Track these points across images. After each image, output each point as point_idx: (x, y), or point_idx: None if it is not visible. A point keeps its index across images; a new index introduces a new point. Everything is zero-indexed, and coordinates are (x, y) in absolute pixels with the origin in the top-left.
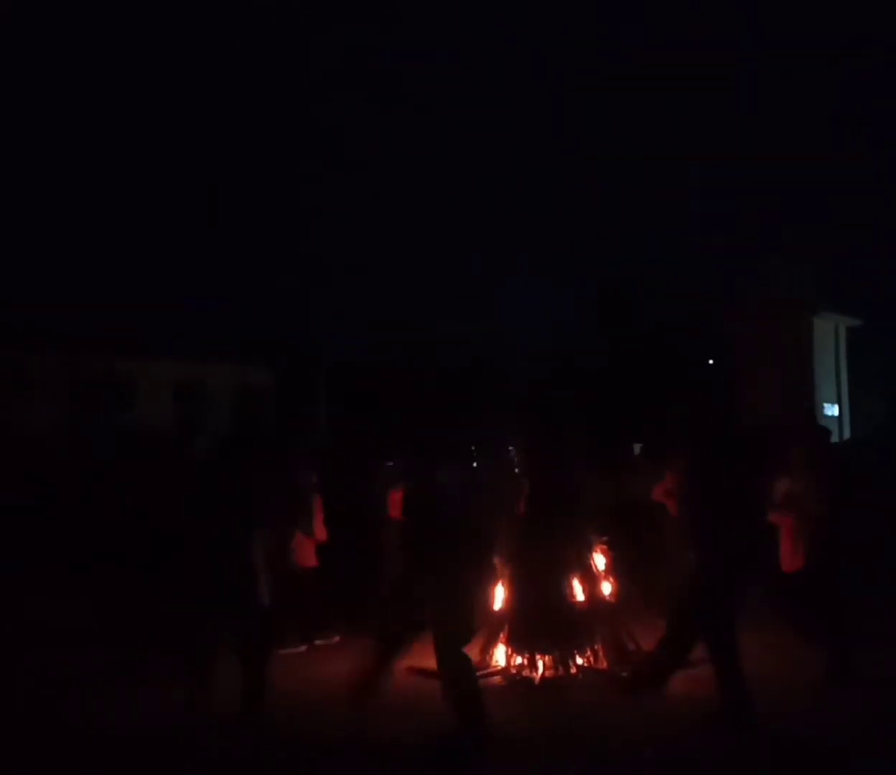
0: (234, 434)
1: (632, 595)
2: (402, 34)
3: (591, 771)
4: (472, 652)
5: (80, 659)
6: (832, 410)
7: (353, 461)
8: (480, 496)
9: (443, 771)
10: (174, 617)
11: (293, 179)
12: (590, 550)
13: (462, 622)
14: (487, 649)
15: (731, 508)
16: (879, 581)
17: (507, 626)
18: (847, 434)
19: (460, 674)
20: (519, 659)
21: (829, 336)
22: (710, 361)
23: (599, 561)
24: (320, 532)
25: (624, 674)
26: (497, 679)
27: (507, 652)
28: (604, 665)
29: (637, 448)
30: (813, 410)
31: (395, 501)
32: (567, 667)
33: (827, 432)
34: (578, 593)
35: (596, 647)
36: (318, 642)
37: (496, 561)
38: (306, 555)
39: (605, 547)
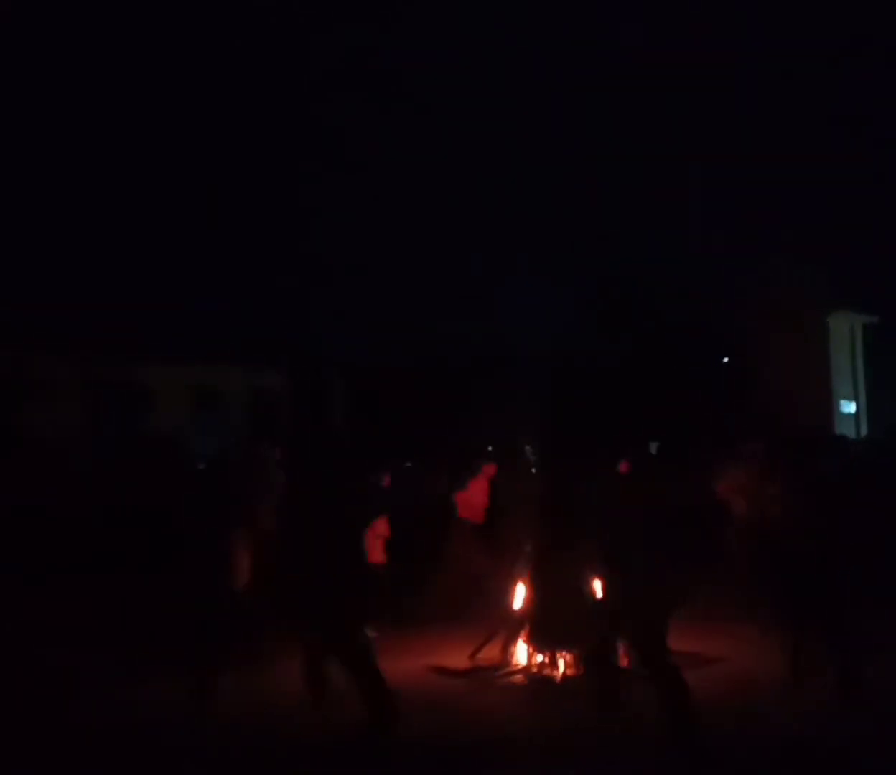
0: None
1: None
2: (402, 34)
3: (615, 767)
4: (493, 650)
5: (79, 659)
6: (849, 407)
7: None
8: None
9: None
10: (176, 619)
11: (293, 179)
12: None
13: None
14: (508, 647)
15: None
16: (880, 581)
17: (528, 625)
18: (865, 431)
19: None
20: (540, 658)
21: (844, 334)
22: (725, 359)
23: None
24: (386, 529)
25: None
26: (518, 677)
27: (528, 650)
28: (625, 663)
29: (653, 447)
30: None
31: (463, 502)
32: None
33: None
34: (599, 591)
35: (617, 645)
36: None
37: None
38: (376, 551)
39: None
